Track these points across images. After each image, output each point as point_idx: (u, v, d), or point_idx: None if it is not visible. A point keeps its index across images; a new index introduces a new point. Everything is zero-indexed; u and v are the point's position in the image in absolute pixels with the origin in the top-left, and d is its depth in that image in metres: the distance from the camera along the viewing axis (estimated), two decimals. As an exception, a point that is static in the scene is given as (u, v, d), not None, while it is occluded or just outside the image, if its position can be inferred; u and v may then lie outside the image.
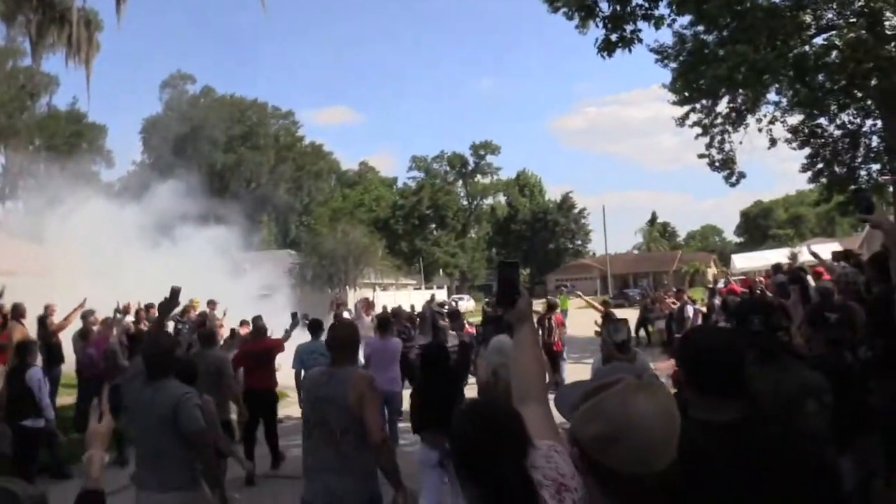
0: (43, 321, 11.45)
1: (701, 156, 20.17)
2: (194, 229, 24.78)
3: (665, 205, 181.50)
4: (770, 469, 1.86)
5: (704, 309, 13.98)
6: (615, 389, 1.25)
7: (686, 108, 19.46)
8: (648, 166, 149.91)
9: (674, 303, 14.47)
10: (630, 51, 16.50)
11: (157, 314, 12.15)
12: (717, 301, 12.04)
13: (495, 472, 1.65)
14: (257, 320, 9.42)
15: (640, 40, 16.51)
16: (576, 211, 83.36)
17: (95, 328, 11.21)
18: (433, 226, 74.86)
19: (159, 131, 64.37)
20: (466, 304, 42.50)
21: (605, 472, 1.22)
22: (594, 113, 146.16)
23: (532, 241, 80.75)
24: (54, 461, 8.02)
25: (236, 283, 23.92)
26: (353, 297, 33.50)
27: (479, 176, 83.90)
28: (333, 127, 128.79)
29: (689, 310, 13.09)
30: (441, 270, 70.56)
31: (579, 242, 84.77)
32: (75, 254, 18.60)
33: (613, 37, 16.32)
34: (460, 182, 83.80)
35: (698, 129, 19.76)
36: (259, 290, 28.50)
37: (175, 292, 4.86)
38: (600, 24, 16.34)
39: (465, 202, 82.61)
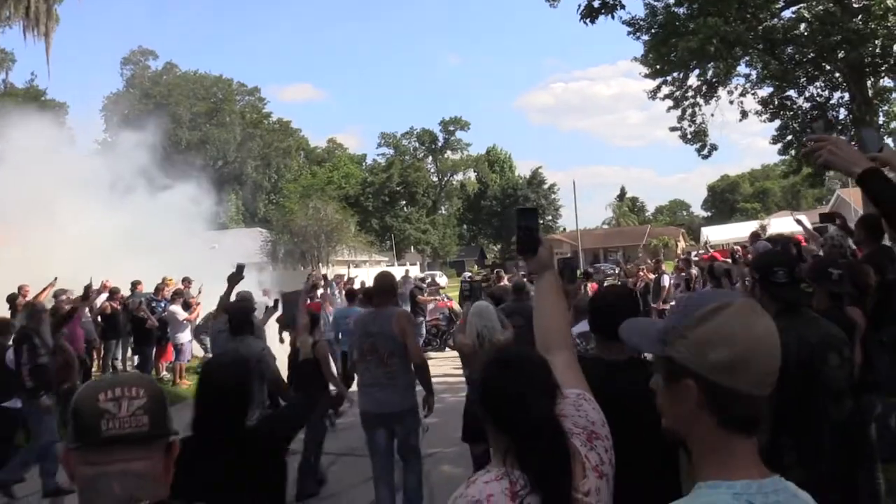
0: (13, 301, 11.26)
1: (673, 129, 20.26)
2: (158, 198, 24.22)
3: (632, 180, 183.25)
4: (629, 402, 2.06)
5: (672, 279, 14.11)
6: (733, 311, 1.23)
7: (658, 80, 19.51)
8: (615, 142, 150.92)
9: (651, 274, 14.65)
10: (613, 16, 16.50)
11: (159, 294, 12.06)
12: (695, 271, 12.27)
13: (525, 420, 1.66)
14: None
15: (623, 6, 16.52)
16: (546, 186, 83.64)
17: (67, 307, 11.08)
18: (403, 202, 74.65)
19: (121, 109, 62.94)
20: (439, 279, 42.58)
21: (725, 397, 1.21)
22: (562, 89, 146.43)
23: (503, 217, 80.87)
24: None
25: (207, 260, 23.67)
26: (327, 273, 33.39)
27: (448, 152, 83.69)
28: (298, 104, 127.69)
29: (665, 279, 13.31)
30: (412, 247, 70.47)
31: (550, 218, 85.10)
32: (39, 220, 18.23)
33: (596, 2, 16.27)
34: (430, 158, 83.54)
35: (670, 102, 19.85)
36: (231, 268, 28.23)
37: (241, 268, 6.02)
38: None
39: (435, 179, 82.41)
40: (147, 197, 24.02)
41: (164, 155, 25.92)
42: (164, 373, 13.77)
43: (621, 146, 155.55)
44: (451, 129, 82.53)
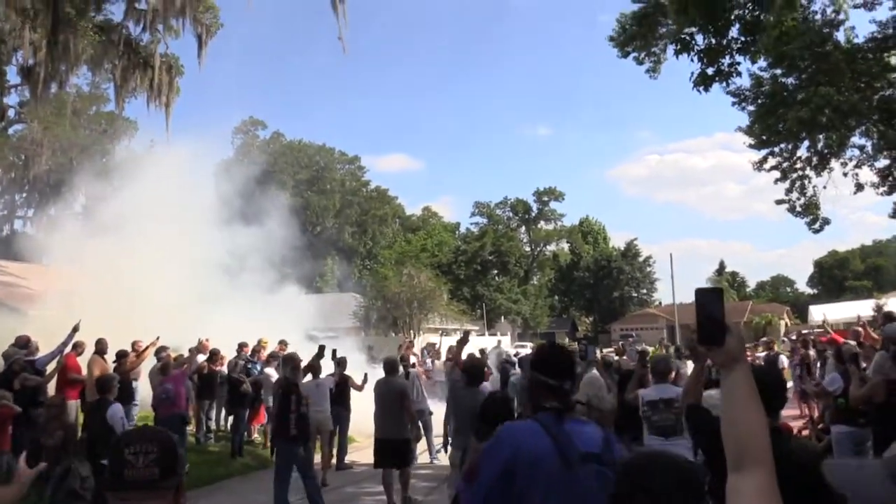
0: (122, 356, 11.56)
1: (779, 201, 19.52)
2: (263, 269, 24.87)
3: (730, 254, 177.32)
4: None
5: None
6: None
7: (764, 151, 18.95)
8: (712, 215, 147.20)
9: (767, 352, 13.83)
10: (728, 83, 16.21)
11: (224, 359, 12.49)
12: (812, 352, 11.46)
13: None
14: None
15: (739, 73, 16.21)
16: (641, 259, 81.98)
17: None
18: (495, 272, 74.48)
19: (231, 176, 65.80)
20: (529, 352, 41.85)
21: None
22: (656, 161, 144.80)
23: (595, 289, 79.59)
24: None
25: (302, 323, 24.03)
26: (417, 341, 33.34)
27: (542, 222, 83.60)
28: (394, 174, 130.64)
29: (783, 360, 12.48)
30: (503, 317, 69.89)
31: (644, 291, 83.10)
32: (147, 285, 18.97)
33: (710, 70, 16.01)
34: (523, 228, 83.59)
35: (776, 174, 19.18)
36: (325, 332, 28.62)
37: (321, 348, 8.56)
38: (695, 59, 16.05)
39: (527, 248, 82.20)
40: (259, 271, 24.74)
41: (271, 224, 26.67)
42: (256, 435, 13.80)
43: (718, 219, 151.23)
44: (545, 199, 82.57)
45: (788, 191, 19.13)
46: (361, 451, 12.26)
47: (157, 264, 19.56)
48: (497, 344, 22.01)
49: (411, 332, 38.60)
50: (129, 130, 55.83)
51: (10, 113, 37.32)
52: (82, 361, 11.84)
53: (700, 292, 1.83)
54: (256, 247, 24.48)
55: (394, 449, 8.74)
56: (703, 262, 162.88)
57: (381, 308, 39.72)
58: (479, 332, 51.57)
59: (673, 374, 6.68)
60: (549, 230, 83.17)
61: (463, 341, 7.91)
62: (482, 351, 9.32)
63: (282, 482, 8.10)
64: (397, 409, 8.82)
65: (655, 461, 1.71)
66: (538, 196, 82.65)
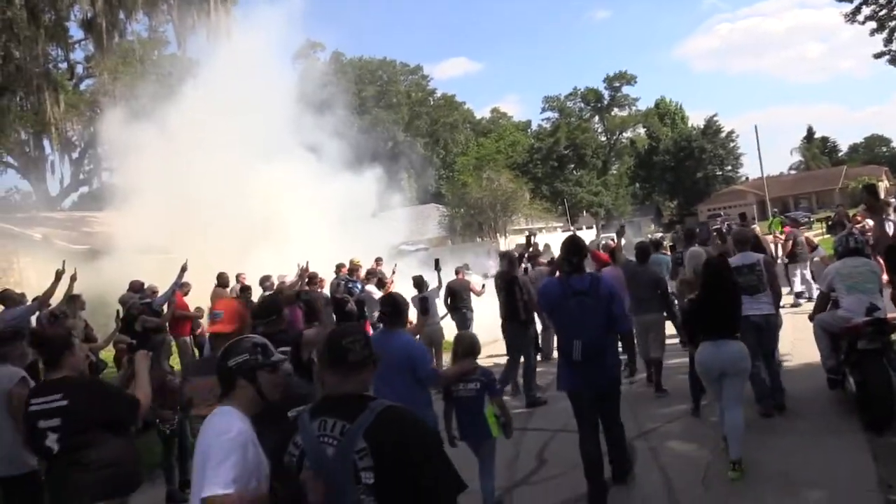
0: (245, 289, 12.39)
1: (878, 55, 18.20)
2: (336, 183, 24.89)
3: (817, 119, 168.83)
4: None
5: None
6: None
7: (857, 0, 17.54)
8: (794, 79, 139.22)
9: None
10: None
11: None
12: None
13: None
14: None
15: None
16: (722, 135, 78.70)
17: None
18: (572, 166, 73.02)
19: (300, 104, 65.94)
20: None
21: None
22: (727, 29, 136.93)
23: (677, 172, 77.26)
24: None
25: (387, 239, 24.22)
26: (504, 244, 33.30)
27: (615, 109, 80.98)
28: (456, 79, 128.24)
29: (890, 226, 11.64)
30: (585, 211, 68.94)
31: (729, 168, 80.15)
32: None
33: None
34: (597, 118, 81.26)
35: (873, 24, 17.77)
36: (414, 246, 28.81)
37: (437, 261, 10.47)
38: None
39: (603, 138, 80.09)
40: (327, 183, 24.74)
41: (342, 146, 26.56)
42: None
43: (801, 83, 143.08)
44: (617, 84, 79.71)
45: (888, 41, 17.80)
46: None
47: (238, 192, 19.91)
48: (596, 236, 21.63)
49: (496, 235, 38.55)
50: (192, 70, 56.37)
51: (79, 69, 38.07)
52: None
53: None
54: (334, 168, 24.52)
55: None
56: (789, 131, 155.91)
57: (465, 215, 39.68)
58: (564, 228, 51.10)
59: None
60: (624, 116, 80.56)
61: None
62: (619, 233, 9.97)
63: (513, 363, 9.50)
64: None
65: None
66: (609, 83, 79.77)
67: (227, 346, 2.97)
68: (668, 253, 12.08)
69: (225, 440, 2.58)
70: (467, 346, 5.58)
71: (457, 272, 12.47)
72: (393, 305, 5.19)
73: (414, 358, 4.80)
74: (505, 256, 10.20)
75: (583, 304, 5.29)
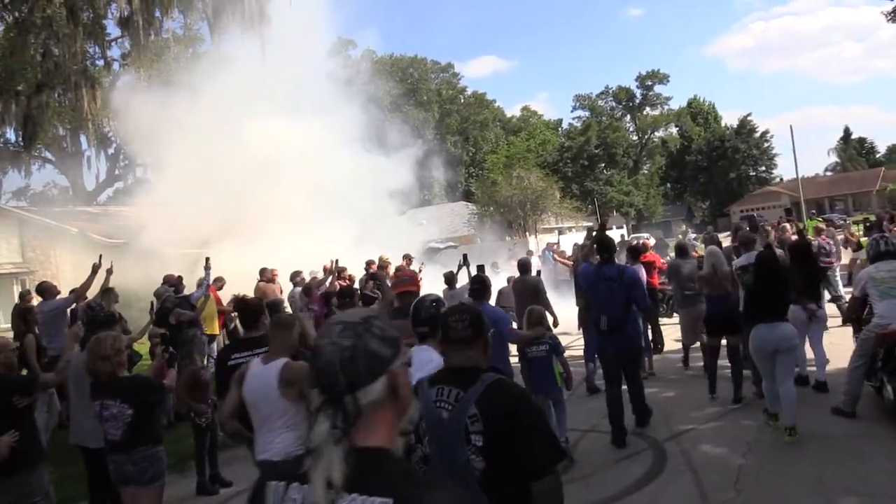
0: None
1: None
2: (375, 189, 24.92)
3: (852, 120, 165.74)
4: None
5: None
6: None
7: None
8: (829, 79, 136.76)
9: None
10: None
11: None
12: None
13: None
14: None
15: None
16: (757, 135, 77.57)
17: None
18: (603, 165, 72.38)
19: (329, 100, 66.30)
20: (649, 242, 40.87)
21: None
22: (762, 28, 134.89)
23: (710, 172, 76.40)
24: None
25: (416, 237, 24.22)
26: (532, 242, 33.14)
27: (647, 108, 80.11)
28: (486, 77, 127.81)
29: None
30: (615, 210, 68.32)
31: (763, 169, 79.01)
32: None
33: None
34: (628, 117, 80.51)
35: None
36: (443, 243, 28.79)
37: (465, 256, 10.51)
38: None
39: (634, 137, 79.30)
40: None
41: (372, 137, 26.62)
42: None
43: (837, 83, 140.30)
44: (649, 83, 78.82)
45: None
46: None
47: (269, 190, 20.03)
48: (622, 237, 21.50)
49: (526, 234, 38.41)
50: (227, 67, 56.92)
51: (115, 66, 38.57)
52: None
53: None
54: (367, 169, 24.49)
55: None
56: (824, 132, 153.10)
57: (494, 213, 39.57)
58: (594, 228, 50.69)
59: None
60: (656, 116, 79.59)
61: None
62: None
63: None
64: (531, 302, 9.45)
65: None
66: (641, 81, 78.90)
67: (417, 301, 4.11)
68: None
69: (431, 368, 2.99)
70: (537, 316, 6.89)
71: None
72: (481, 283, 6.52)
73: (498, 321, 5.74)
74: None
75: (610, 287, 7.09)
